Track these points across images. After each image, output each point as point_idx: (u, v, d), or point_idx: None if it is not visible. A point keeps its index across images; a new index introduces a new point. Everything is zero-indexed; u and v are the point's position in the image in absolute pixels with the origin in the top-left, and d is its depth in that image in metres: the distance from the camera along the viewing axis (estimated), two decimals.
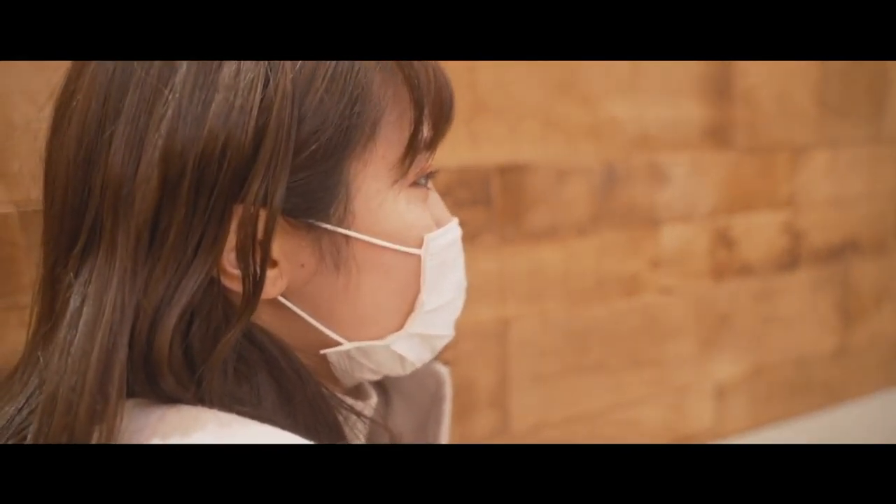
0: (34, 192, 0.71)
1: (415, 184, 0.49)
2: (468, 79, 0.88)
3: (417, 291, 0.49)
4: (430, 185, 0.51)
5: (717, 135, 1.10)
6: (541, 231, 0.96)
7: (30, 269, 0.72)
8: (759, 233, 1.17)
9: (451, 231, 0.52)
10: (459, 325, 0.92)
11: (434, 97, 0.47)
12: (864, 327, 1.34)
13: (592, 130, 0.98)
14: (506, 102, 0.91)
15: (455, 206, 0.89)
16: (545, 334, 0.98)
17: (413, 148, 0.46)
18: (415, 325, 0.49)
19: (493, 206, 0.91)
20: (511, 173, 0.92)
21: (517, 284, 0.95)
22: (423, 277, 0.48)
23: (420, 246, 0.48)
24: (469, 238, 0.91)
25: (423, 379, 0.61)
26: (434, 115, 0.47)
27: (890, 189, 1.33)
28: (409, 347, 0.50)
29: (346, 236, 0.46)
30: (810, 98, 1.19)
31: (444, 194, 0.88)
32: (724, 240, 1.13)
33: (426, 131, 0.47)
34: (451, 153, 0.87)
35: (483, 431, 0.95)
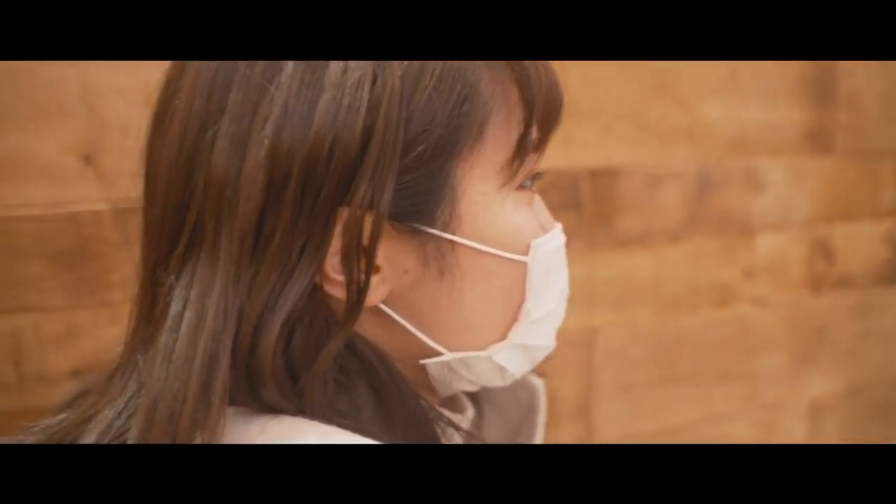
0: (127, 189, 0.72)
1: (521, 186, 0.46)
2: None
3: (522, 300, 0.47)
4: (535, 187, 0.49)
5: (817, 139, 1.04)
6: (631, 237, 0.92)
7: (121, 266, 0.73)
8: (860, 243, 1.11)
9: (557, 237, 0.49)
10: None
11: (544, 96, 0.44)
12: None
13: (687, 133, 0.94)
14: (597, 104, 0.88)
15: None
16: (633, 344, 0.95)
17: (522, 149, 0.44)
18: (518, 335, 0.47)
19: (583, 210, 0.88)
20: (602, 177, 0.89)
21: (606, 292, 0.92)
22: (529, 285, 0.46)
23: (526, 252, 0.46)
24: None
25: (516, 390, 0.59)
26: (543, 115, 0.45)
27: None
28: (510, 358, 0.48)
29: (452, 242, 0.44)
30: None
31: None
32: (823, 250, 1.08)
33: (534, 132, 0.45)
34: (544, 156, 0.85)
35: (567, 442, 0.92)
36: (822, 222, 1.07)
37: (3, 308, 0.70)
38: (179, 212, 0.41)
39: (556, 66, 0.87)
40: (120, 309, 0.73)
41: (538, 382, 0.59)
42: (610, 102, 0.89)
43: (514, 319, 0.47)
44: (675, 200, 0.94)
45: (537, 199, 0.49)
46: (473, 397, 0.60)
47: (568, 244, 0.89)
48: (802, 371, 1.09)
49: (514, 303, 0.47)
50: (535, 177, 0.48)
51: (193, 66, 0.42)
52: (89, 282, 0.72)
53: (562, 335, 0.89)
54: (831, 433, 1.13)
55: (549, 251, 0.47)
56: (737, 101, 0.97)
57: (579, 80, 0.86)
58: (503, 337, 0.47)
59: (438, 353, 0.46)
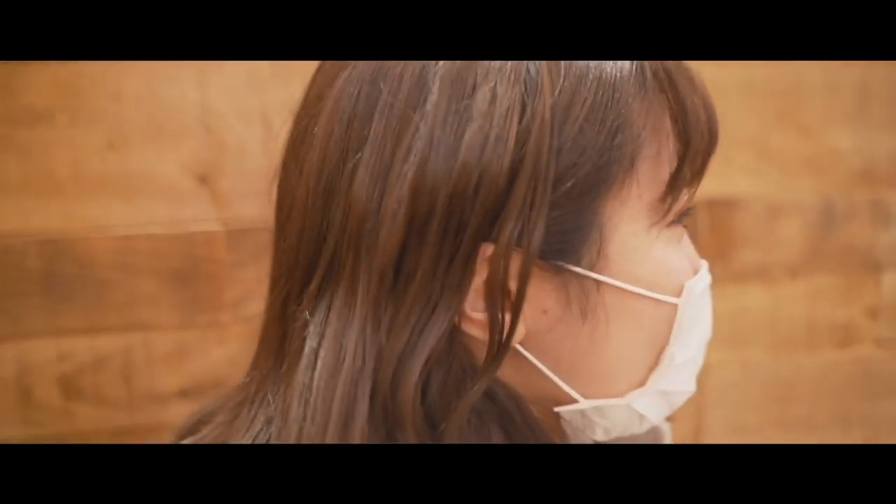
0: (240, 210, 0.72)
1: (672, 223, 0.43)
2: None
3: (665, 344, 0.44)
4: (685, 223, 0.46)
5: None
6: (749, 271, 0.88)
7: (232, 287, 0.73)
8: None
9: (705, 276, 0.46)
10: None
11: (701, 128, 0.41)
12: None
13: (811, 163, 0.89)
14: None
15: None
16: (746, 383, 0.90)
17: (676, 186, 0.41)
18: (659, 381, 0.44)
19: (699, 241, 0.84)
20: (720, 207, 0.85)
21: (720, 327, 0.87)
22: (677, 328, 0.43)
23: (677, 293, 0.43)
24: None
25: (643, 436, 0.55)
26: (698, 149, 0.42)
27: None
28: (649, 405, 0.45)
29: (597, 282, 0.41)
30: None
31: None
32: None
33: (688, 167, 0.42)
34: None
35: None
36: None
37: (117, 325, 0.71)
38: (316, 244, 0.40)
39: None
40: (229, 330, 0.73)
41: (665, 426, 0.56)
42: (731, 129, 0.84)
43: (657, 364, 0.44)
44: (797, 233, 0.89)
45: (685, 237, 0.46)
46: None
47: None
48: None
49: (658, 346, 0.44)
50: (686, 213, 0.45)
51: (333, 93, 0.41)
52: (200, 301, 0.72)
53: None
54: None
55: (698, 292, 0.44)
56: (866, 129, 0.91)
57: None
58: (643, 383, 0.44)
59: (574, 401, 0.44)
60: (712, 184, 0.84)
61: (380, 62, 0.39)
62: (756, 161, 0.86)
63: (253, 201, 0.71)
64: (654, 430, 0.56)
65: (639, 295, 0.42)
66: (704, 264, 0.47)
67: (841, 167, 0.90)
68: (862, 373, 0.96)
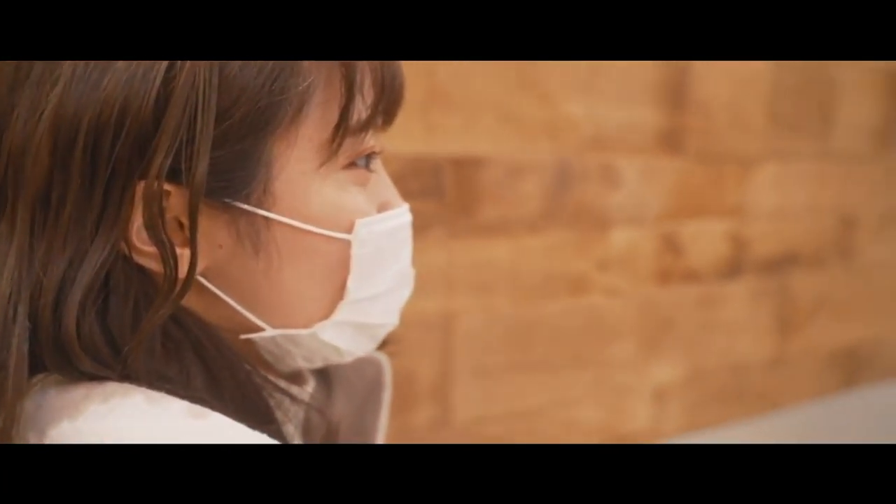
0: None
1: (352, 165, 0.46)
2: (426, 67, 0.87)
3: (347, 278, 0.47)
4: (374, 167, 0.48)
5: (670, 141, 1.11)
6: (491, 226, 0.95)
7: None
8: (705, 240, 1.19)
9: (394, 217, 0.49)
10: (403, 316, 0.91)
11: (373, 75, 0.45)
12: (800, 337, 1.37)
13: (548, 128, 0.98)
14: (464, 94, 0.90)
15: (405, 196, 0.88)
16: (490, 329, 0.98)
17: (343, 130, 0.44)
18: (344, 313, 0.47)
19: (444, 197, 0.91)
20: (465, 166, 0.92)
21: (465, 278, 0.95)
22: (352, 264, 0.46)
23: (349, 231, 0.46)
24: (418, 229, 0.91)
25: (363, 366, 0.60)
26: (374, 94, 0.45)
27: (832, 205, 1.36)
28: (339, 336, 0.48)
29: (267, 219, 0.43)
30: (762, 111, 1.21)
31: (395, 183, 0.87)
32: (671, 245, 1.15)
33: (363, 112, 0.45)
34: (405, 142, 0.87)
35: (423, 424, 0.94)
36: (672, 219, 1.14)
37: None
38: None
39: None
40: None
41: (383, 358, 0.61)
42: (475, 94, 0.91)
43: (341, 298, 0.47)
44: (536, 192, 0.98)
45: (380, 179, 0.49)
46: (323, 373, 0.61)
47: (428, 230, 0.92)
48: (649, 358, 1.16)
49: (339, 281, 0.46)
50: (371, 156, 0.47)
51: None
52: None
53: (420, 319, 0.92)
54: (674, 416, 1.21)
55: (380, 231, 0.47)
56: (597, 100, 1.02)
57: (446, 69, 0.89)
58: (328, 315, 0.47)
59: (261, 329, 0.46)
60: (458, 143, 0.91)
61: None
62: (498, 124, 0.94)
63: None
64: (374, 363, 0.61)
65: (308, 231, 0.44)
66: (402, 207, 0.51)
67: (574, 133, 1.00)
68: (593, 319, 1.08)
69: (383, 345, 0.60)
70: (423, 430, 0.95)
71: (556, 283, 1.03)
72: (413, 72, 0.90)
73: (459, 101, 0.90)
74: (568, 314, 1.05)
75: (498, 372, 1.00)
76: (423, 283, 0.92)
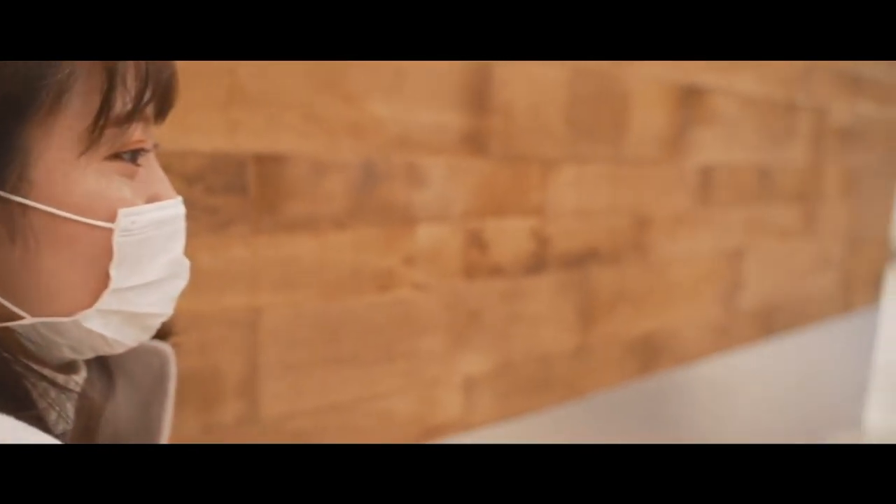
0: None
1: (117, 157, 0.47)
2: (226, 66, 0.88)
3: (110, 266, 0.47)
4: (142, 161, 0.49)
5: (475, 142, 1.17)
6: (297, 222, 0.97)
7: None
8: (510, 237, 1.26)
9: (163, 208, 0.50)
10: (206, 313, 0.92)
11: (136, 68, 0.46)
12: (600, 328, 1.47)
13: (354, 127, 1.01)
14: (267, 93, 0.91)
15: (207, 193, 0.88)
16: (297, 324, 0.99)
17: (104, 120, 0.45)
18: (108, 302, 0.48)
19: (248, 194, 0.91)
20: (268, 163, 0.93)
21: (270, 273, 0.95)
22: (119, 253, 0.47)
23: (111, 220, 0.46)
24: (221, 225, 0.91)
25: (147, 357, 0.60)
26: (137, 87, 0.46)
27: (627, 205, 1.48)
28: (106, 325, 0.48)
29: (23, 205, 0.43)
30: (560, 117, 1.30)
31: (196, 179, 0.87)
32: (477, 241, 1.21)
33: (127, 104, 0.46)
34: (205, 138, 0.87)
35: (231, 420, 0.94)
36: (477, 217, 1.20)
37: None
38: None
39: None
40: None
41: (168, 349, 0.61)
42: (279, 92, 0.93)
43: (105, 286, 0.47)
44: (341, 189, 1.01)
45: (151, 172, 0.50)
46: (104, 363, 0.60)
47: (232, 226, 0.92)
48: (458, 350, 1.21)
49: (102, 269, 0.47)
50: (139, 152, 0.48)
51: None
52: None
53: (225, 314, 0.92)
54: (484, 406, 1.27)
55: (146, 221, 0.48)
56: (403, 101, 1.06)
57: (247, 68, 0.89)
58: (92, 304, 0.47)
59: (20, 317, 0.46)
60: (262, 140, 0.92)
61: None
62: (303, 122, 0.96)
63: None
64: (159, 353, 0.61)
65: (67, 219, 0.45)
66: (175, 199, 0.51)
67: (380, 133, 1.04)
68: (401, 313, 1.12)
69: (167, 336, 0.61)
70: (231, 426, 0.95)
71: (364, 278, 1.06)
72: (213, 70, 0.90)
73: (262, 99, 0.91)
74: (376, 308, 1.08)
75: (307, 367, 1.01)
76: (227, 279, 0.93)
